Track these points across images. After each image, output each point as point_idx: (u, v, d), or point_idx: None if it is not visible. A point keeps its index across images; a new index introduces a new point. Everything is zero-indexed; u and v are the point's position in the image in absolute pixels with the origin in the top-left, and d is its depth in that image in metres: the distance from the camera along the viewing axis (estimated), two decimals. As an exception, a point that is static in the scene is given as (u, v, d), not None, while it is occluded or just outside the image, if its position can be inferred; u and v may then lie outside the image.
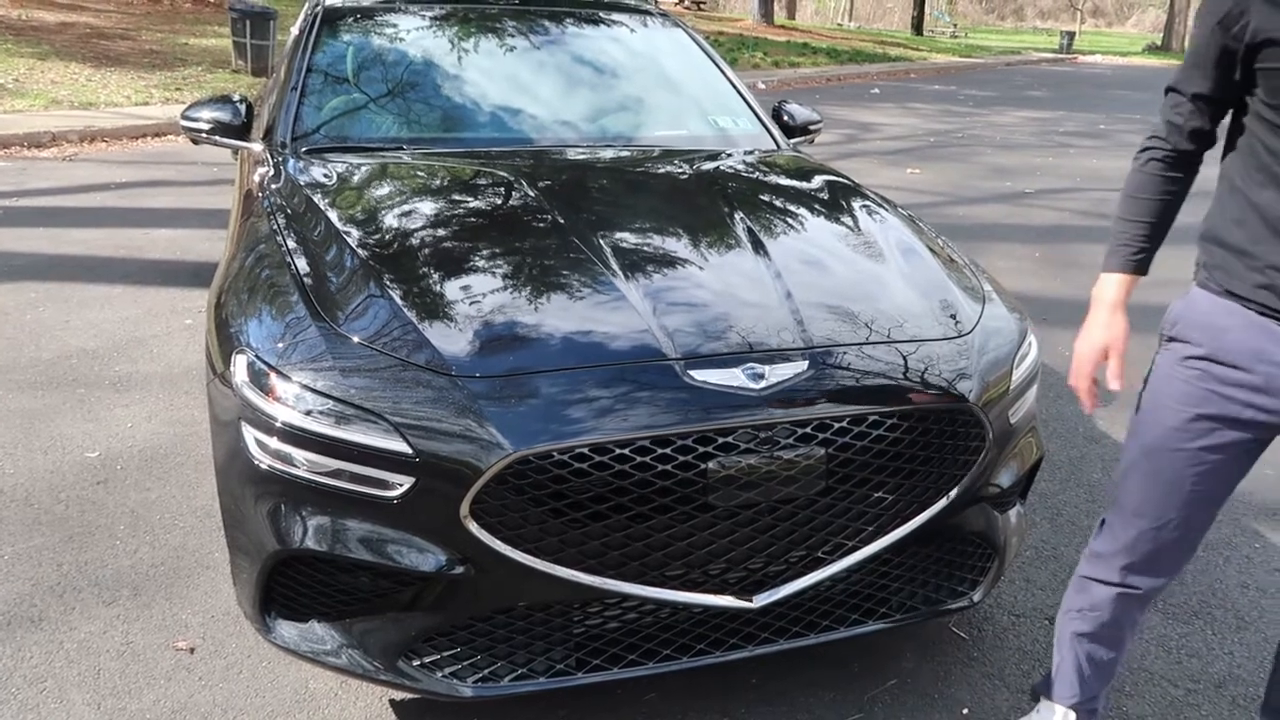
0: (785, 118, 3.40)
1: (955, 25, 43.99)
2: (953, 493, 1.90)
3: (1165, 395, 1.61)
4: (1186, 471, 1.59)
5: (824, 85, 16.85)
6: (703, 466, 1.68)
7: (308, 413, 1.69)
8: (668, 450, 1.67)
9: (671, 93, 3.33)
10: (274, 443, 1.72)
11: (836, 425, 1.76)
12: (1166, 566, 1.68)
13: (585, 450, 1.64)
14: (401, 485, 1.65)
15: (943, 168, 8.79)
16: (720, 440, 1.69)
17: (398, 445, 1.64)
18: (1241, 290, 1.50)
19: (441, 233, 2.21)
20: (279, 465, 1.72)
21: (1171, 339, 1.62)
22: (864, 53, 23.22)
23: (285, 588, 1.82)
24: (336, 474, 1.68)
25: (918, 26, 36.49)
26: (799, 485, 1.73)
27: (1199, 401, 1.56)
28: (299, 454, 1.70)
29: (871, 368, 1.85)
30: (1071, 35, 33.71)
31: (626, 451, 1.65)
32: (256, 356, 1.79)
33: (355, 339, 1.79)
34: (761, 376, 1.74)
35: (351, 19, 3.27)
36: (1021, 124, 12.57)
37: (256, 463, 1.75)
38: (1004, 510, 2.10)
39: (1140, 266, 1.65)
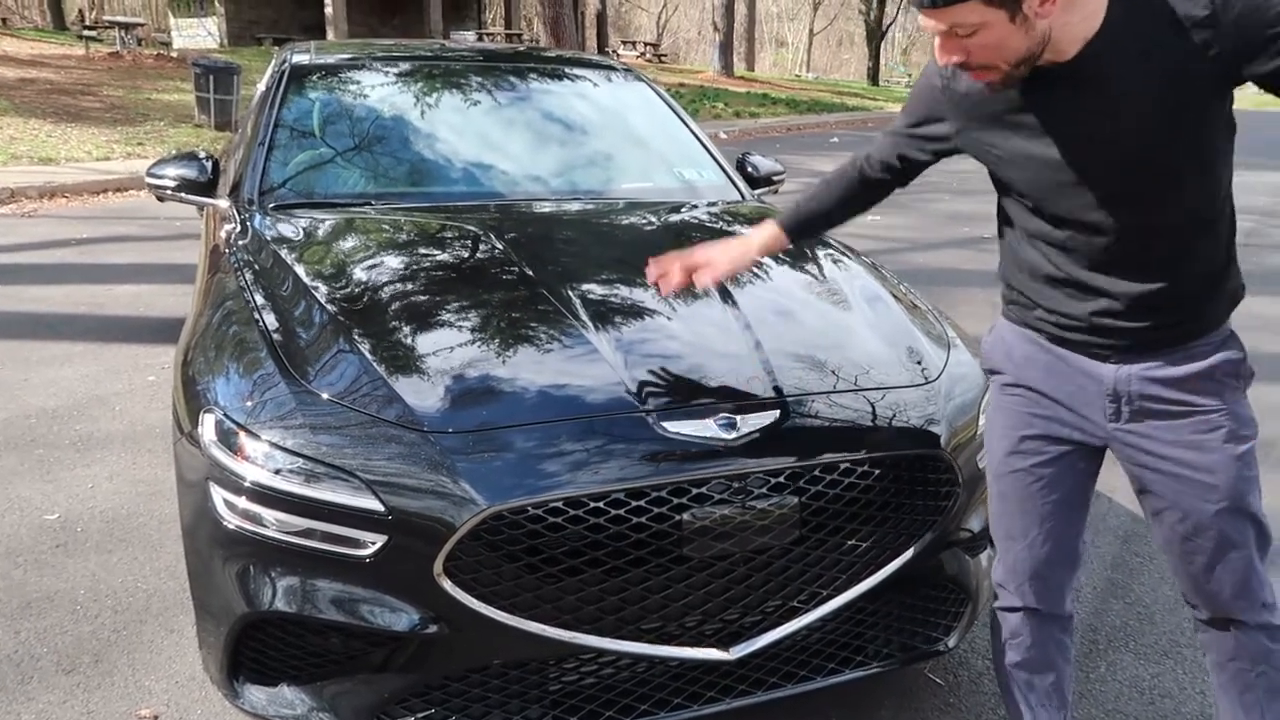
0: (749, 169, 3.45)
1: (910, 75, 45.08)
2: (925, 538, 1.92)
3: (995, 423, 1.72)
4: (1031, 490, 1.67)
5: (784, 135, 17.17)
6: (677, 518, 1.68)
7: (277, 471, 1.67)
8: (642, 502, 1.67)
9: (637, 146, 3.38)
10: (243, 503, 1.69)
11: (809, 474, 1.77)
12: (1055, 581, 1.73)
13: (559, 504, 1.63)
14: (374, 544, 1.63)
15: (902, 214, 8.95)
16: (694, 491, 1.69)
17: (369, 503, 1.63)
18: (1031, 322, 1.62)
19: (410, 287, 2.22)
20: (248, 525, 1.70)
21: (990, 371, 1.74)
22: (822, 103, 23.71)
23: (254, 651, 1.78)
24: (307, 533, 1.66)
25: (874, 77, 37.38)
26: (773, 535, 1.74)
27: (1022, 425, 1.66)
28: (268, 514, 1.67)
29: (842, 416, 1.87)
30: (1022, 84, 34.61)
31: (601, 505, 1.65)
32: (225, 415, 1.78)
33: (325, 395, 1.78)
34: (734, 426, 1.75)
35: (318, 75, 3.29)
36: (977, 170, 12.76)
37: (224, 523, 1.72)
38: (975, 554, 2.11)
39: (794, 231, 1.87)
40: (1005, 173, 1.53)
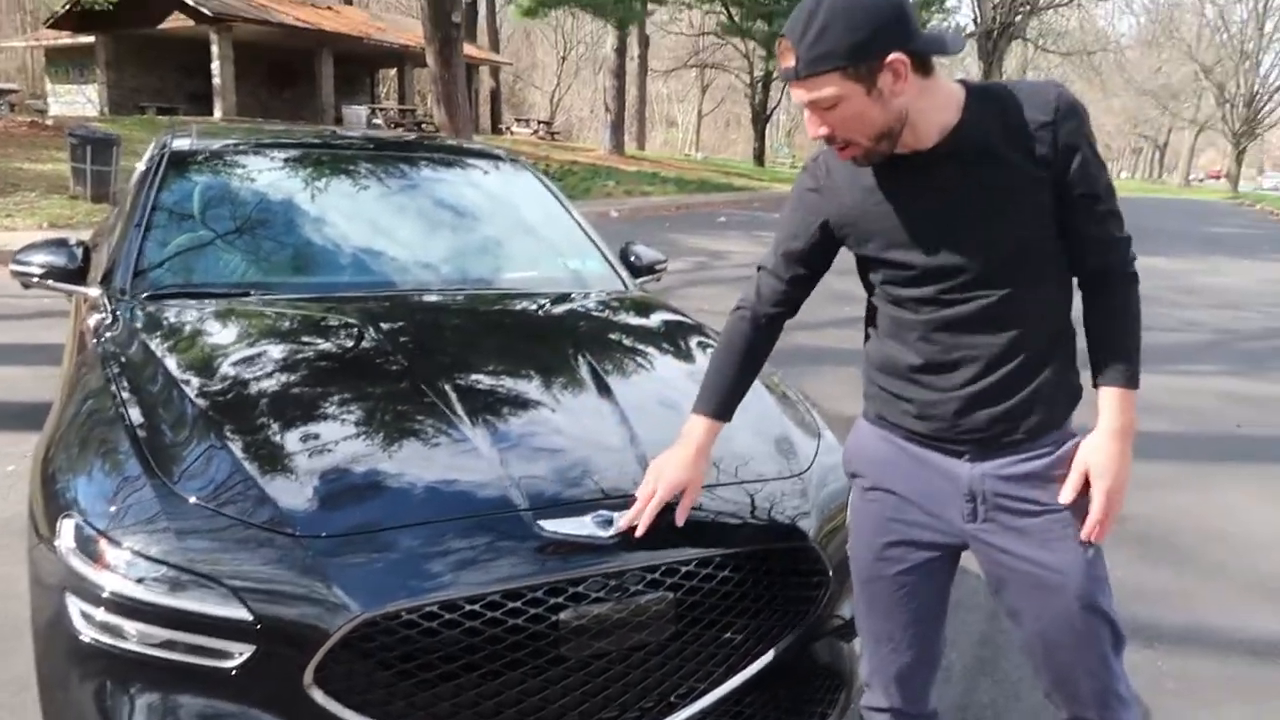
0: (632, 258, 3.55)
1: (794, 156, 47.00)
2: (798, 628, 1.97)
3: (859, 529, 1.78)
4: (896, 596, 1.74)
5: (674, 213, 17.59)
6: (554, 618, 1.68)
7: (140, 580, 1.61)
8: (519, 603, 1.67)
9: (522, 236, 3.44)
10: (101, 614, 1.62)
11: (684, 569, 1.81)
12: (919, 681, 1.81)
13: (435, 608, 1.62)
14: (241, 654, 1.59)
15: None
16: (571, 590, 1.70)
17: (236, 612, 1.58)
18: (889, 415, 1.69)
19: (285, 381, 2.19)
20: (106, 638, 1.63)
21: (851, 474, 1.81)
22: (710, 182, 24.44)
23: (109, 772, 1.69)
24: (169, 645, 1.60)
25: (759, 158, 38.80)
26: (650, 631, 1.76)
27: (883, 531, 1.73)
28: (129, 625, 1.61)
29: (716, 508, 1.92)
30: (899, 167, 36.42)
31: (478, 607, 1.64)
32: (85, 520, 1.71)
33: (192, 498, 1.73)
34: (611, 523, 1.78)
35: (199, 160, 3.25)
36: (858, 250, 13.38)
37: (80, 636, 1.64)
38: (849, 640, 2.17)
39: (725, 412, 1.81)
40: (874, 254, 1.61)
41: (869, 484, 1.75)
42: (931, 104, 1.48)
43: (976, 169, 1.50)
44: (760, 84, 38.80)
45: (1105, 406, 1.58)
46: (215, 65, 24.56)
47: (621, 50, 28.32)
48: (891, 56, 1.40)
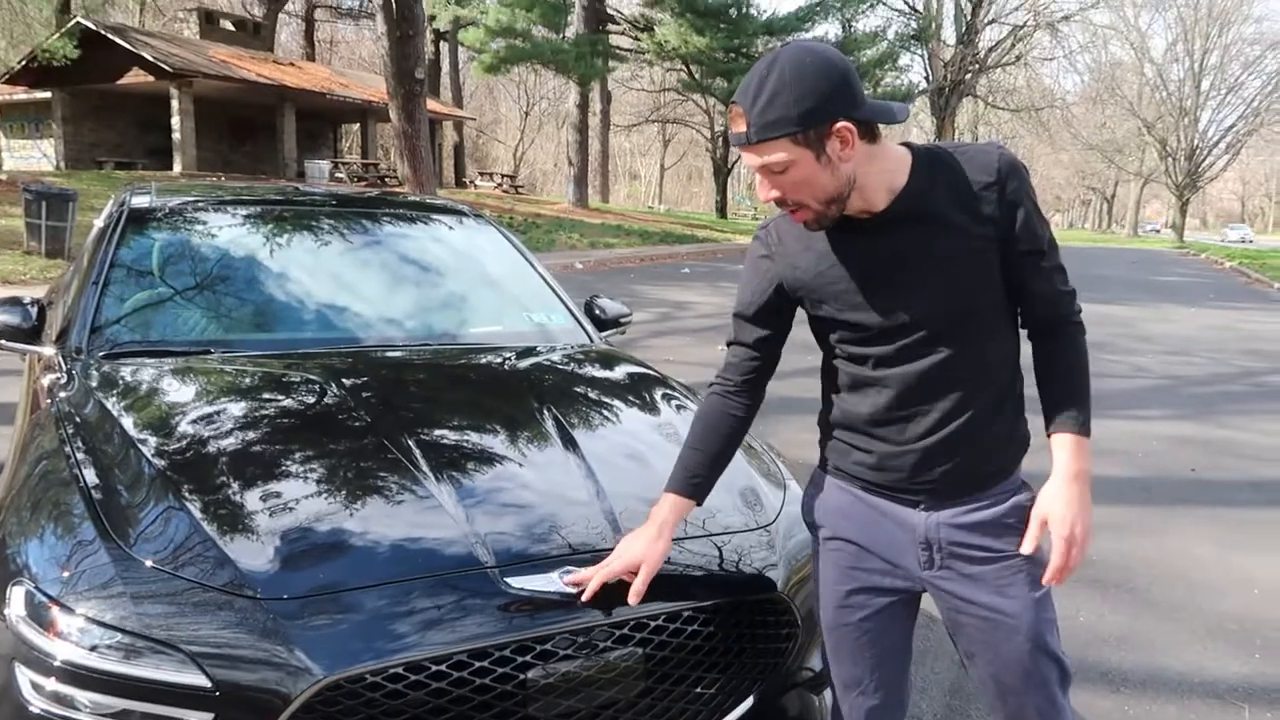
0: (597, 311, 3.57)
1: (756, 208, 47.72)
2: (768, 680, 1.96)
3: (823, 579, 1.81)
4: (860, 642, 1.77)
5: (638, 265, 17.75)
6: (522, 677, 1.66)
7: (93, 648, 1.57)
8: (486, 663, 1.64)
9: (485, 290, 3.45)
10: (52, 684, 1.58)
11: (653, 624, 1.80)
12: None
13: (400, 670, 1.59)
14: (199, 722, 1.54)
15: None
16: (539, 648, 1.69)
17: (194, 678, 1.54)
18: (846, 467, 1.73)
19: (245, 439, 2.16)
20: (56, 709, 1.57)
21: (810, 523, 1.84)
22: (673, 234, 24.72)
23: None
24: (124, 715, 1.55)
25: (721, 209, 39.37)
26: (619, 688, 1.74)
27: (845, 580, 1.76)
28: (82, 695, 1.56)
29: (683, 561, 1.91)
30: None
31: (444, 668, 1.62)
32: (36, 587, 1.66)
33: (149, 561, 1.70)
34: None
35: (158, 218, 3.23)
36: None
37: (29, 707, 1.59)
38: (819, 691, 2.16)
39: (698, 492, 1.79)
40: (829, 315, 1.65)
41: (829, 533, 1.78)
42: (879, 168, 1.54)
43: (925, 230, 1.55)
44: (721, 139, 39.51)
45: (1060, 453, 1.62)
46: (175, 120, 24.50)
47: (584, 106, 28.71)
48: (839, 124, 1.45)
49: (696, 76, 27.51)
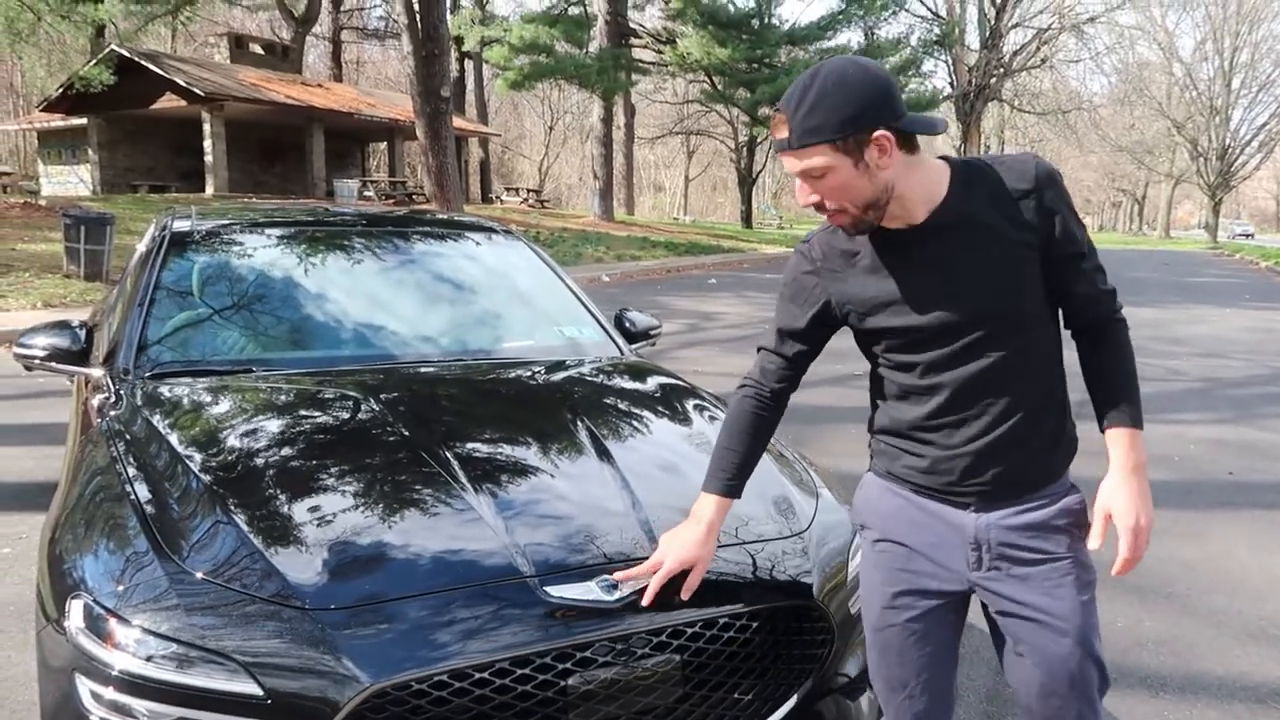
0: (627, 324, 3.61)
1: (780, 217, 47.65)
2: (805, 686, 1.98)
3: (869, 580, 1.83)
4: (907, 643, 1.79)
5: (664, 277, 17.79)
6: (562, 684, 1.70)
7: (149, 658, 1.62)
8: (527, 670, 1.68)
9: (516, 305, 3.50)
10: (110, 693, 1.63)
11: (690, 630, 1.83)
12: None
13: (444, 678, 1.63)
14: (252, 730, 1.59)
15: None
16: (578, 656, 1.72)
17: (247, 687, 1.59)
18: (896, 471, 1.76)
19: (288, 454, 2.22)
20: (115, 718, 1.63)
21: (860, 526, 1.87)
22: (700, 245, 24.75)
23: None
24: (180, 723, 1.61)
25: (747, 219, 39.35)
26: (657, 694, 1.77)
27: (892, 581, 1.78)
28: (139, 704, 1.62)
29: (719, 570, 1.94)
30: (884, 226, 36.89)
31: (486, 675, 1.66)
32: (94, 600, 1.72)
33: (200, 574, 1.75)
34: (616, 587, 1.80)
35: (199, 241, 3.32)
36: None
37: (90, 717, 1.65)
38: (855, 698, 2.18)
39: (735, 490, 1.84)
40: (876, 326, 1.69)
41: (877, 535, 1.81)
42: (917, 179, 1.58)
43: (967, 238, 1.59)
44: (745, 149, 39.52)
45: (1116, 448, 1.66)
46: (207, 143, 24.92)
47: (608, 119, 28.86)
48: (878, 133, 1.50)
49: (719, 87, 27.57)
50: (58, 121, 27.73)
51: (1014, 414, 1.64)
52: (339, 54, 40.55)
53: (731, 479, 1.84)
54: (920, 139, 1.59)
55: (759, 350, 1.88)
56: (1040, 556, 1.66)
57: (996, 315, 1.61)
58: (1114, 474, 1.65)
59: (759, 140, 38.78)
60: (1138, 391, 1.67)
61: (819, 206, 1.59)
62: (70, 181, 28.84)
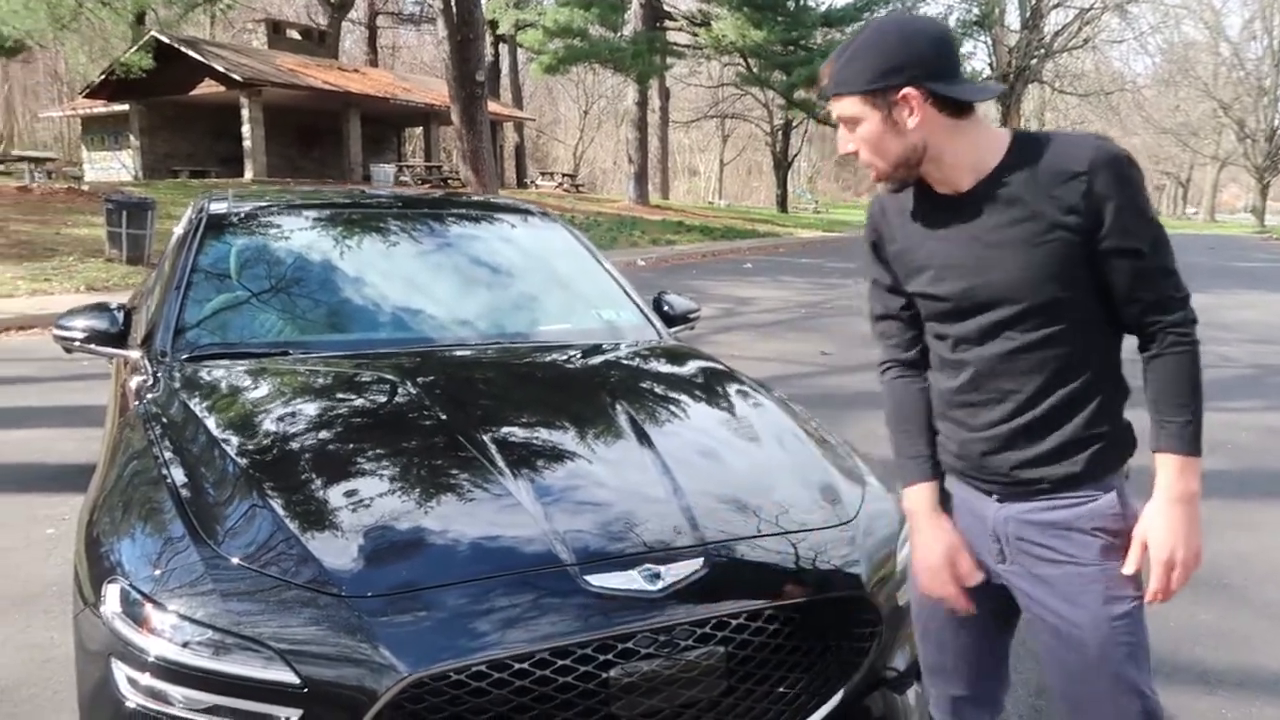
0: (665, 308, 3.55)
1: (816, 202, 47.21)
2: (852, 680, 1.92)
3: (913, 560, 1.76)
4: (947, 626, 1.73)
5: (700, 261, 17.68)
6: (604, 676, 1.65)
7: (185, 644, 1.60)
8: (568, 661, 1.64)
9: (554, 288, 3.46)
10: (146, 679, 1.61)
11: (734, 622, 1.77)
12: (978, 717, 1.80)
13: (483, 668, 1.60)
14: (288, 718, 1.56)
15: (817, 338, 9.23)
16: (620, 647, 1.67)
17: (283, 675, 1.56)
18: (939, 451, 1.71)
19: (324, 438, 2.19)
20: (152, 704, 1.61)
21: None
22: (735, 229, 24.57)
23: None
24: (215, 711, 1.58)
25: (782, 204, 39.02)
26: (701, 687, 1.72)
27: None
28: (175, 690, 1.60)
29: (764, 560, 1.89)
30: (921, 210, 36.41)
31: (526, 666, 1.62)
32: (130, 585, 1.71)
33: (236, 560, 1.73)
34: (659, 577, 1.75)
35: (236, 224, 3.30)
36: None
37: (126, 702, 1.63)
38: (902, 691, 2.12)
39: (935, 470, 1.71)
40: (916, 289, 1.64)
41: None
42: (963, 146, 1.52)
43: (1009, 214, 1.51)
44: (780, 132, 39.14)
45: (1161, 474, 1.52)
46: (246, 128, 25.12)
47: (643, 103, 28.70)
48: (906, 90, 1.47)
49: (754, 70, 27.27)
50: (100, 108, 28.10)
51: (1037, 405, 1.55)
52: (375, 39, 40.69)
53: (920, 457, 1.71)
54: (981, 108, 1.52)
55: (874, 327, 1.79)
56: (1062, 559, 1.56)
57: (1026, 299, 1.52)
58: (1156, 500, 1.51)
59: (794, 123, 38.40)
60: (1192, 413, 1.50)
61: (855, 155, 1.58)
62: (113, 167, 29.23)
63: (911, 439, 1.73)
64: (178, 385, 2.48)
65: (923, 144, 1.51)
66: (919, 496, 1.71)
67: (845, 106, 1.52)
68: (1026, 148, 1.52)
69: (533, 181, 36.84)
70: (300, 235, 3.31)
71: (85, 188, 19.11)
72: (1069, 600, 1.56)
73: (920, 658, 1.82)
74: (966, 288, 1.56)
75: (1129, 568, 1.54)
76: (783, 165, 39.62)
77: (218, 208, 3.35)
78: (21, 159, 20.59)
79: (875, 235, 1.72)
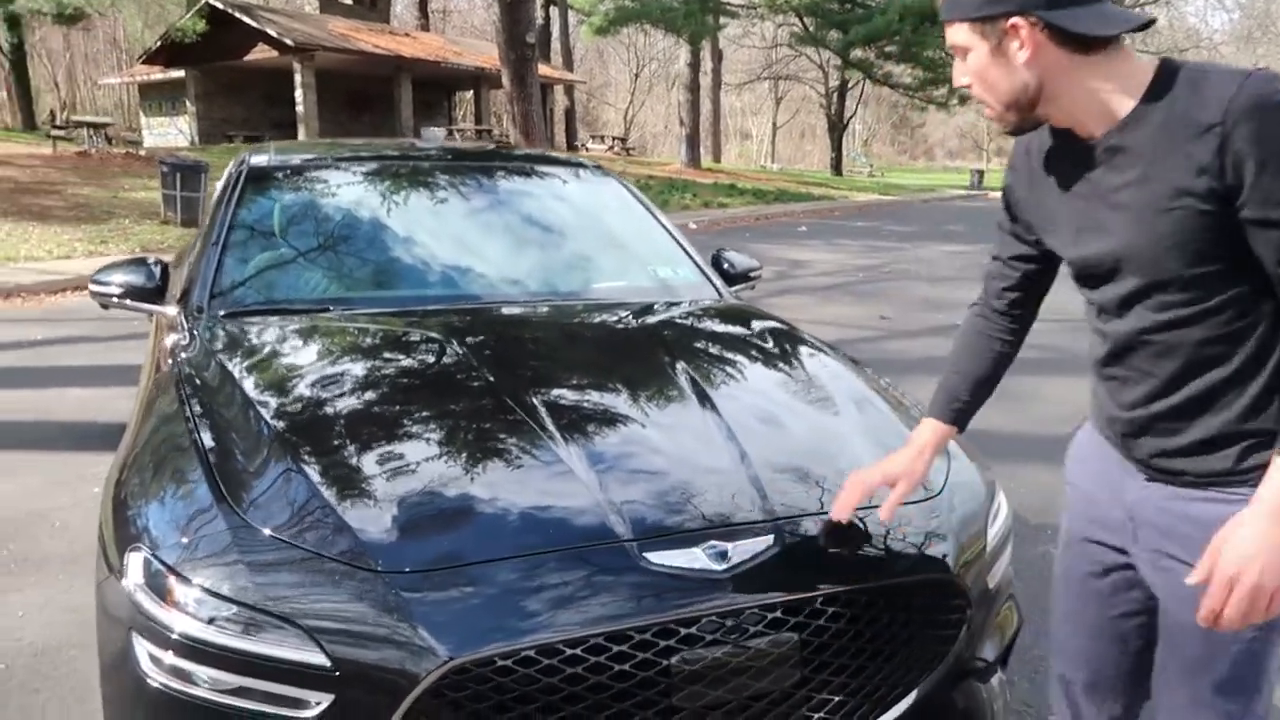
0: (725, 265, 3.35)
1: (871, 165, 46.31)
2: (938, 670, 1.74)
3: (1061, 526, 1.67)
4: (1081, 599, 1.60)
5: (753, 224, 17.36)
6: (665, 663, 1.49)
7: (210, 621, 1.47)
8: (625, 647, 1.48)
9: (608, 244, 3.27)
10: (169, 657, 1.49)
11: (809, 607, 1.59)
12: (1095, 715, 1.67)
13: (532, 653, 1.44)
14: (319, 704, 1.43)
15: (875, 302, 8.94)
16: (683, 632, 1.51)
17: (314, 657, 1.43)
18: (1090, 412, 1.58)
19: (364, 400, 2.05)
20: (175, 683, 1.49)
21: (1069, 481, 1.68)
22: (788, 192, 24.13)
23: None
24: (242, 692, 1.45)
25: (836, 167, 38.29)
26: (772, 678, 1.55)
27: (1075, 524, 1.61)
28: (200, 670, 1.47)
29: (841, 539, 1.70)
30: (981, 173, 35.61)
31: (579, 651, 1.46)
32: (154, 555, 1.58)
33: (266, 530, 1.59)
34: (725, 556, 1.58)
35: (276, 178, 3.17)
36: (945, 258, 12.99)
37: (149, 680, 1.51)
38: (987, 681, 1.93)
39: (958, 418, 1.68)
40: (1047, 244, 1.51)
41: (1069, 477, 1.65)
42: (1091, 87, 1.29)
43: (1135, 172, 1.29)
44: (836, 94, 38.31)
45: (1269, 478, 1.26)
46: (298, 93, 25.18)
47: (695, 65, 28.21)
48: (1014, 20, 1.27)
49: (810, 29, 26.63)
50: (157, 74, 28.38)
51: (1172, 393, 1.35)
52: (426, 3, 40.51)
53: (954, 402, 1.67)
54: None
55: (987, 265, 1.68)
56: (1189, 558, 1.34)
57: (1148, 274, 1.30)
58: (1249, 508, 1.26)
59: (850, 85, 37.50)
60: None
61: (968, 90, 1.41)
62: (170, 133, 29.60)
63: (958, 382, 1.67)
64: (213, 343, 2.36)
65: (1036, 82, 1.30)
66: (930, 430, 1.68)
67: (955, 33, 1.36)
68: (1165, 89, 1.26)
69: (583, 145, 36.56)
70: (345, 188, 3.17)
71: (143, 153, 19.32)
72: (1182, 603, 1.37)
73: (1052, 637, 1.68)
74: (1090, 254, 1.38)
75: (1191, 578, 1.28)
76: (837, 128, 38.80)
77: (258, 160, 3.22)
78: (81, 124, 20.81)
79: (1013, 176, 1.56)
